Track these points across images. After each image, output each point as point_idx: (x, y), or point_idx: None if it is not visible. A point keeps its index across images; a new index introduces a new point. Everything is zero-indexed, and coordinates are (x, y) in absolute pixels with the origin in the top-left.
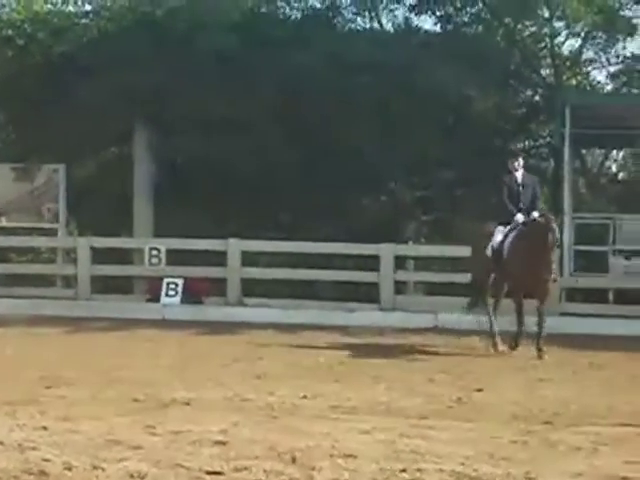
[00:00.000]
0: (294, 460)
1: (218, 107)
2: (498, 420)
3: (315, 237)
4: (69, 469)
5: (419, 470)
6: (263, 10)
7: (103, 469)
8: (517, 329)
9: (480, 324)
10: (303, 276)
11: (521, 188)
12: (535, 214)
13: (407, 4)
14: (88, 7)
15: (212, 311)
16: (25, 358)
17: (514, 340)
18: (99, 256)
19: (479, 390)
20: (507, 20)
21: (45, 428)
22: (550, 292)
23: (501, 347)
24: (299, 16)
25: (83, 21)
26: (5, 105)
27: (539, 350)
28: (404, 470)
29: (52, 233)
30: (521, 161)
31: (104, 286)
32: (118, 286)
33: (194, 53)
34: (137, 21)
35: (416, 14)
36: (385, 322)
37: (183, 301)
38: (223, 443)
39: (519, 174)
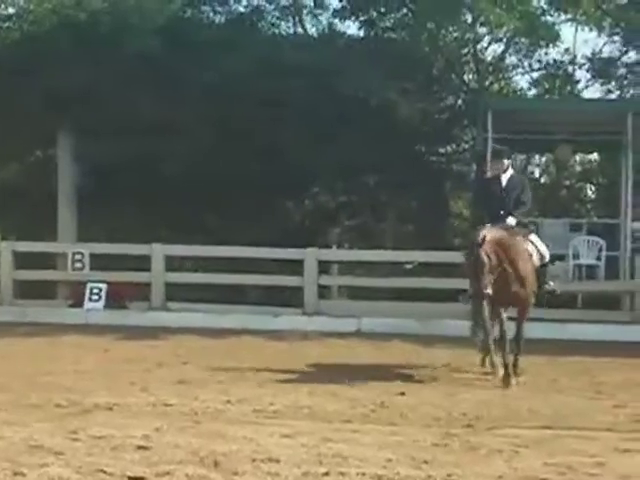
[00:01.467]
0: (216, 464)
1: (144, 110)
2: (420, 423)
3: (241, 241)
4: None
5: (342, 474)
6: (187, 14)
7: (24, 474)
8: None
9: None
10: (228, 280)
11: (504, 193)
12: (510, 220)
13: (331, 9)
14: (11, 10)
15: (136, 316)
16: None
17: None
18: (22, 260)
19: (401, 394)
20: (430, 25)
21: None
22: (525, 305)
23: (500, 370)
24: (223, 20)
25: (6, 24)
26: None
27: (506, 375)
28: (327, 474)
29: None
30: (505, 162)
31: (27, 291)
32: (41, 291)
33: (119, 56)
34: (61, 24)
35: (340, 19)
36: (309, 326)
37: (107, 306)
38: (145, 448)
39: (504, 177)
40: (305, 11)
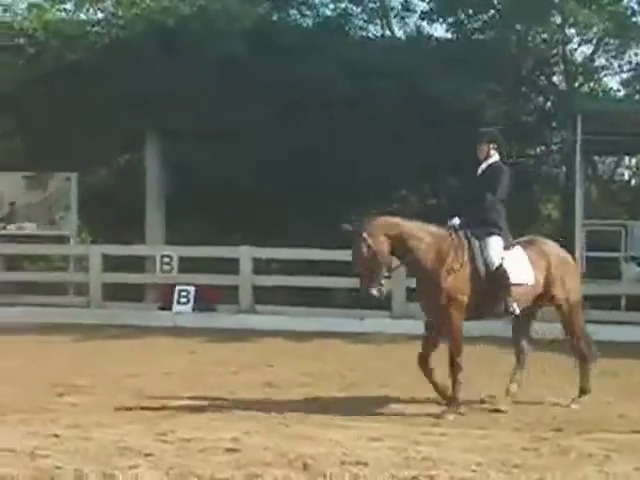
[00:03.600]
0: (305, 467)
1: (227, 115)
2: (510, 427)
3: (323, 244)
4: (80, 477)
5: (430, 477)
6: (274, 18)
7: (114, 477)
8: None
9: None
10: (315, 283)
11: (478, 183)
12: (454, 221)
13: (419, 12)
14: (100, 15)
15: (224, 318)
16: (37, 366)
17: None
18: (111, 264)
19: (491, 397)
20: (519, 27)
21: (57, 436)
22: (441, 321)
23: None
24: (311, 24)
25: (95, 29)
26: (17, 113)
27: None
28: (415, 477)
29: (64, 241)
30: (484, 148)
31: (116, 294)
32: (130, 294)
33: (205, 60)
34: (148, 29)
35: (428, 21)
36: (396, 329)
37: (195, 309)
38: (234, 450)
39: (484, 164)
40: (392, 14)
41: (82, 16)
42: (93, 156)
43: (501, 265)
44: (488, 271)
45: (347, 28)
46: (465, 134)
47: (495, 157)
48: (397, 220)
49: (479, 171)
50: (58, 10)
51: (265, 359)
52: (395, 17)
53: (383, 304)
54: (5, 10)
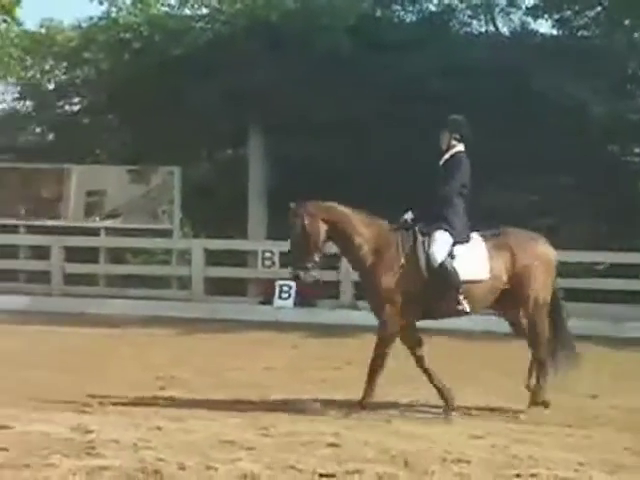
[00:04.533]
0: (406, 463)
1: (330, 109)
2: (613, 427)
3: None
4: (183, 469)
5: (533, 476)
6: (378, 14)
7: (216, 469)
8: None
9: None
10: None
11: (438, 175)
12: (407, 215)
13: (523, 7)
14: (204, 10)
15: (325, 314)
16: (140, 359)
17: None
18: (213, 258)
19: (593, 397)
20: (626, 22)
21: (159, 428)
22: (379, 317)
23: None
24: (414, 19)
25: (199, 24)
26: (121, 108)
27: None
28: (518, 475)
29: (167, 235)
30: (446, 137)
31: (218, 288)
32: (232, 288)
33: (309, 55)
34: (252, 24)
35: (533, 17)
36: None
37: (296, 303)
38: (336, 445)
39: (447, 155)
40: (497, 9)
41: (186, 11)
42: (196, 150)
43: (444, 262)
44: (431, 268)
45: (451, 24)
46: (570, 131)
47: (458, 147)
48: (339, 208)
49: (441, 162)
50: (162, 5)
51: (367, 355)
52: (500, 13)
53: None
54: (110, 5)
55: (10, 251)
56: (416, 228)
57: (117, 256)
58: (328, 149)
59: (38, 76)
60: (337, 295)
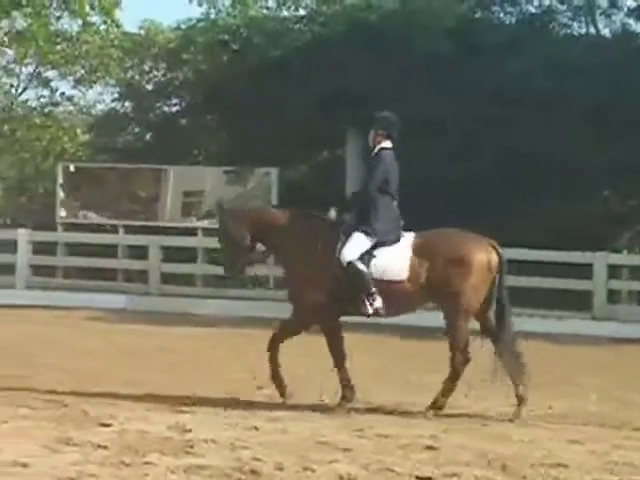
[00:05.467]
0: (504, 468)
1: (428, 112)
2: None
3: (523, 243)
4: (280, 469)
5: None
6: (478, 15)
7: (313, 470)
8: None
9: None
10: (512, 282)
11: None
12: (331, 213)
13: (625, 9)
14: (302, 12)
15: (422, 316)
16: (237, 359)
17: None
18: None
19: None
20: None
21: (256, 428)
22: (293, 316)
23: None
24: (514, 21)
25: (297, 26)
26: (219, 109)
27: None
28: None
29: None
30: (372, 134)
31: None
32: None
33: (406, 56)
34: (350, 26)
35: (635, 19)
36: (597, 331)
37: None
38: (433, 448)
39: (373, 153)
40: (598, 11)
41: (285, 13)
42: (293, 152)
43: (352, 262)
44: (342, 268)
45: (551, 26)
46: None
47: (383, 144)
48: (264, 208)
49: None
50: (261, 7)
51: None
52: (601, 14)
53: (584, 305)
54: (210, 7)
55: (109, 251)
56: (340, 228)
57: (214, 256)
58: (425, 151)
59: (137, 77)
60: None
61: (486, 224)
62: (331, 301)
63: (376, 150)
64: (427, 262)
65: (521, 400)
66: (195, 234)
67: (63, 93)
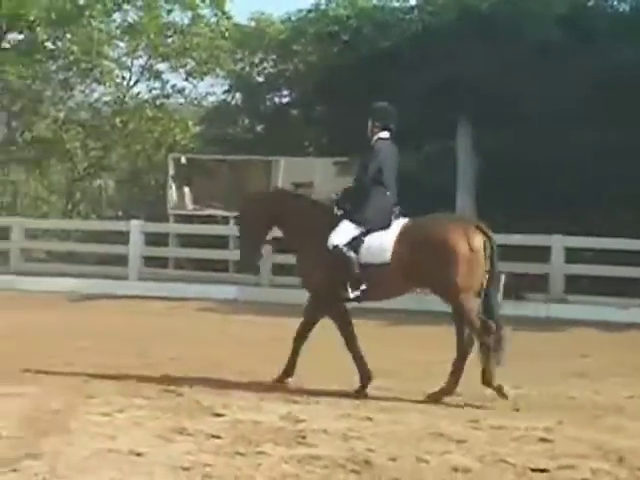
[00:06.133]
0: (621, 460)
1: (540, 101)
2: None
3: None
4: (393, 460)
5: None
6: (591, 3)
7: (427, 462)
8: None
9: None
10: (626, 273)
11: None
12: (332, 195)
13: None
14: (412, 2)
15: (534, 307)
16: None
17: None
18: None
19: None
20: None
21: (369, 419)
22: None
23: None
24: (627, 9)
25: (407, 16)
26: (328, 100)
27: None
28: None
29: None
30: (369, 125)
31: None
32: None
33: (518, 45)
34: (461, 14)
35: None
36: None
37: (505, 297)
38: (547, 440)
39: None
40: None
41: (394, 3)
42: (403, 142)
43: (337, 245)
44: (329, 252)
45: None
46: None
47: (379, 135)
48: (281, 194)
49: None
50: None
51: (578, 349)
52: None
53: None
54: None
55: (220, 242)
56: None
57: None
58: (536, 141)
59: (247, 69)
60: (546, 288)
61: (590, 215)
62: (331, 285)
63: (373, 141)
64: (409, 245)
65: (488, 385)
66: None
67: (174, 85)
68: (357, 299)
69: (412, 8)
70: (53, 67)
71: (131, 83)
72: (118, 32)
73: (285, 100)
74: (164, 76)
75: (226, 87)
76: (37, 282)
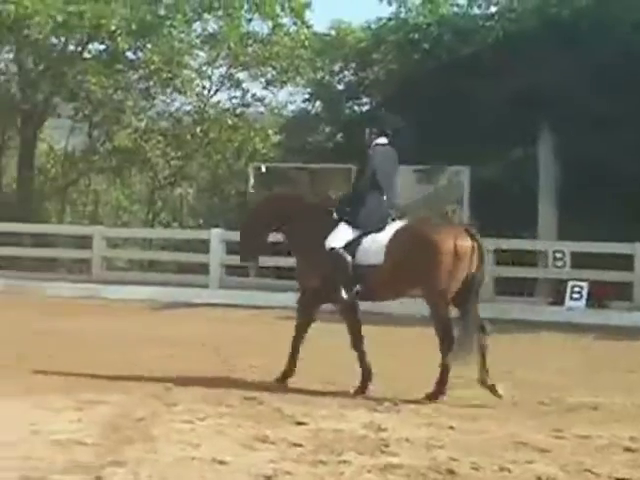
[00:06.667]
0: None
1: (623, 108)
2: None
3: None
4: (476, 469)
5: None
6: None
7: (510, 471)
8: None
9: None
10: None
11: None
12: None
13: None
14: (493, 9)
15: (617, 315)
16: (426, 358)
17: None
18: (502, 257)
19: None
20: None
21: (451, 427)
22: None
23: None
24: None
25: (488, 23)
26: (408, 107)
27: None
28: None
29: None
30: (366, 134)
31: (507, 288)
32: (520, 288)
33: (600, 51)
34: (542, 22)
35: None
36: None
37: (588, 305)
38: (633, 450)
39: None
40: None
41: (475, 10)
42: (485, 150)
43: (333, 248)
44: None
45: None
46: None
47: (376, 141)
48: (289, 196)
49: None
50: (451, 5)
51: None
52: None
53: None
54: (400, 6)
55: None
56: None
57: None
58: (619, 148)
59: (328, 77)
60: (630, 297)
61: None
62: (327, 286)
63: (371, 147)
64: (399, 247)
65: (482, 384)
66: None
67: (254, 94)
68: (352, 299)
69: (493, 15)
70: (134, 77)
71: (211, 92)
72: (198, 41)
73: (365, 108)
74: (244, 85)
75: (306, 96)
76: (118, 290)
